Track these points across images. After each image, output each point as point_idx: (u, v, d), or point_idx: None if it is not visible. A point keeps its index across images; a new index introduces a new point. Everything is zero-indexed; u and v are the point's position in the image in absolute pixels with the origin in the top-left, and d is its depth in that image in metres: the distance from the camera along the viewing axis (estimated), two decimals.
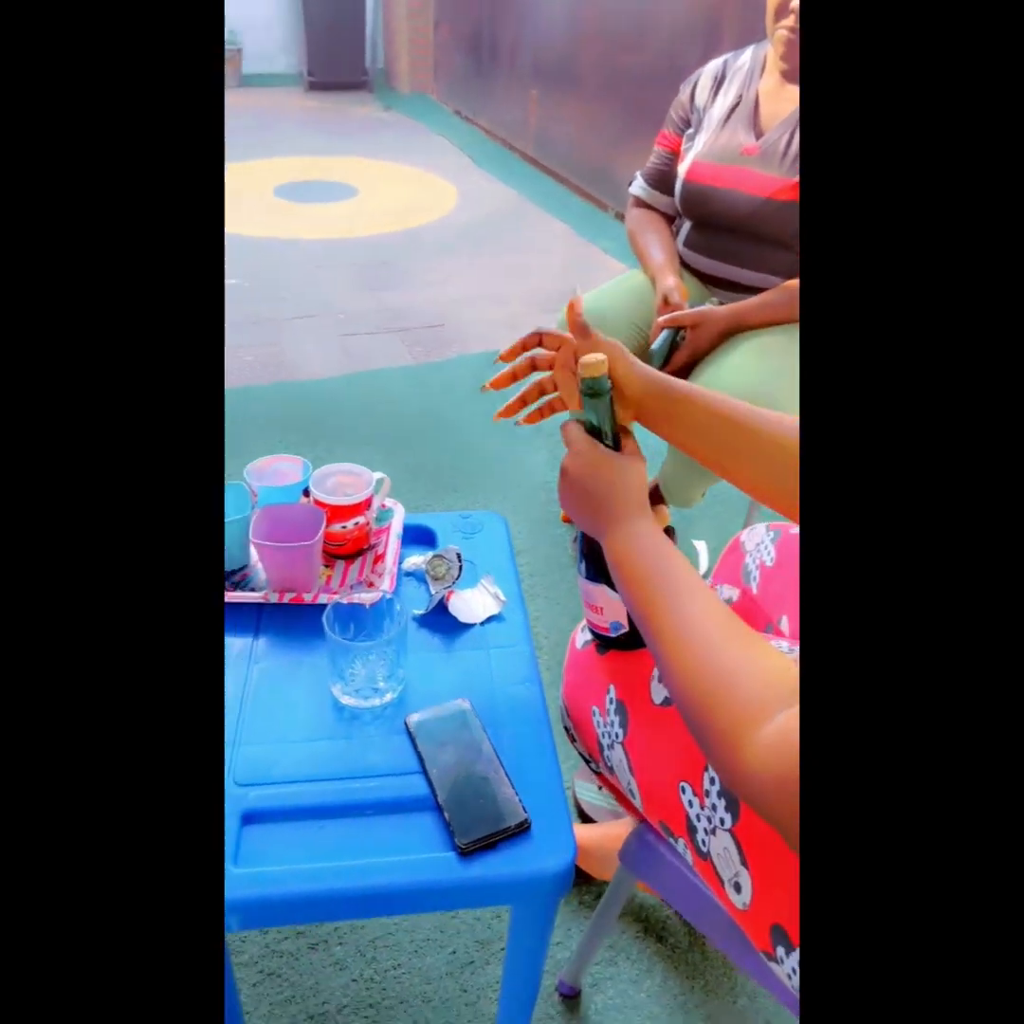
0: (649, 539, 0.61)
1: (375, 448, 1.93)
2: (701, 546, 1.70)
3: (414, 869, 0.63)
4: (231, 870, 0.61)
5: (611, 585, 0.69)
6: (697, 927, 0.72)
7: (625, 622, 0.73)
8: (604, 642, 0.76)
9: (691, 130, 1.41)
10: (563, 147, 4.08)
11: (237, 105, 5.37)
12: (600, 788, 1.15)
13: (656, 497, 1.62)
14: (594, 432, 0.66)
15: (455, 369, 2.33)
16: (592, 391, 0.64)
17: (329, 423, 2.03)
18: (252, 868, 0.61)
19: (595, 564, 0.70)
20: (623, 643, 0.74)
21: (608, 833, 1.04)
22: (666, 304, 1.33)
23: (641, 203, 1.52)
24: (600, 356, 0.64)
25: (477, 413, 2.10)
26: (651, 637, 0.56)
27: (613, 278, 1.52)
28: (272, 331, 2.49)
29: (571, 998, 0.98)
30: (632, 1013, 0.97)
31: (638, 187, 1.51)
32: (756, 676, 0.49)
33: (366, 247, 3.21)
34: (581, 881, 1.08)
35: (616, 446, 0.66)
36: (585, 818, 1.16)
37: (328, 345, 2.43)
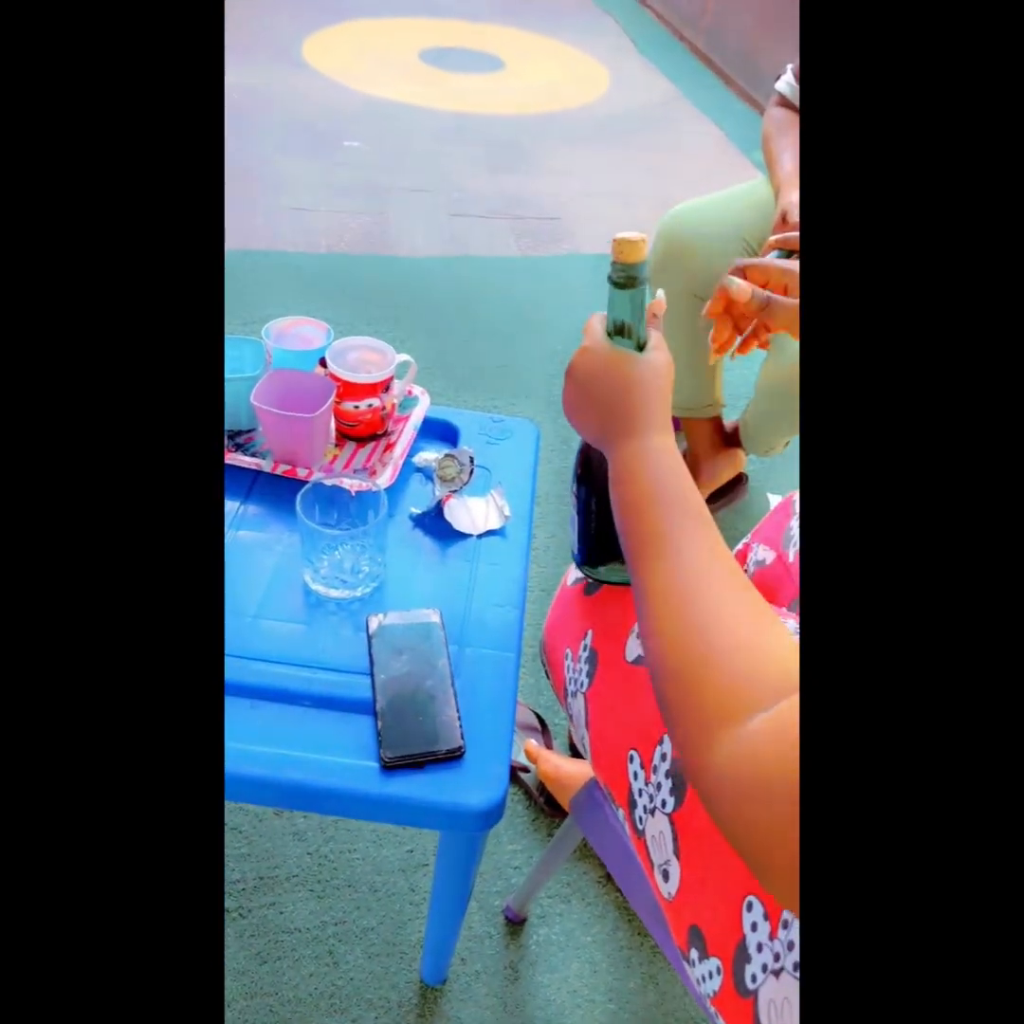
0: (666, 459, 0.51)
1: (454, 337, 1.86)
2: (775, 500, 1.57)
3: (333, 772, 0.60)
4: None
5: None
6: (627, 899, 0.67)
7: None
8: (590, 576, 0.68)
9: None
10: (736, 43, 3.68)
11: None
12: None
13: (734, 440, 1.49)
14: (619, 331, 0.56)
15: (561, 267, 2.19)
16: (626, 278, 0.54)
17: (415, 305, 1.96)
18: None
19: (590, 482, 0.62)
20: (612, 579, 0.67)
21: (587, 771, 1.00)
22: (784, 222, 1.17)
23: (785, 102, 1.33)
24: (641, 234, 0.53)
25: (574, 318, 1.98)
26: (637, 576, 0.47)
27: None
28: (382, 200, 2.40)
29: (515, 924, 0.96)
30: (573, 953, 0.95)
31: (784, 83, 1.32)
32: (747, 661, 0.40)
33: (500, 126, 3.03)
34: (556, 814, 1.05)
35: (640, 349, 0.56)
36: (576, 754, 1.12)
37: (435, 224, 2.33)
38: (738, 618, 0.42)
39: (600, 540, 0.64)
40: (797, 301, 0.58)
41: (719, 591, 0.44)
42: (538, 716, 1.14)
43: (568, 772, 1.01)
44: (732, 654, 0.40)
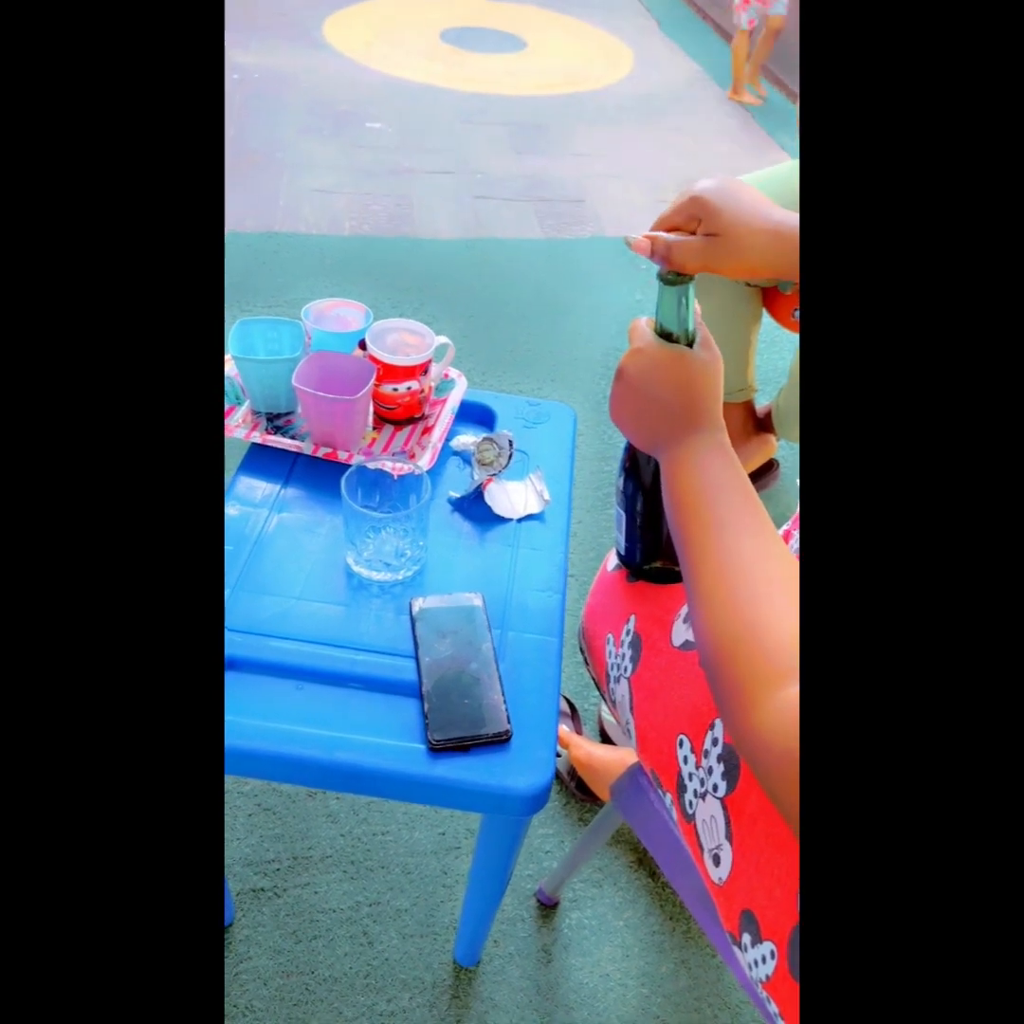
0: (724, 455, 0.52)
1: (478, 320, 1.85)
2: None
3: (381, 753, 0.60)
4: None
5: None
6: (671, 884, 0.67)
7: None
8: (634, 572, 0.68)
9: None
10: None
11: None
12: None
13: (766, 426, 1.47)
14: (667, 334, 0.55)
15: (584, 250, 2.17)
16: (677, 274, 0.53)
17: (439, 288, 1.95)
18: None
19: (637, 481, 0.62)
20: (655, 576, 0.66)
21: (620, 758, 1.00)
22: None
23: None
24: None
25: (599, 301, 1.97)
26: (689, 564, 0.48)
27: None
28: (406, 183, 2.39)
29: (548, 907, 0.97)
30: (605, 937, 0.95)
31: None
32: (792, 632, 0.42)
33: (523, 107, 3.00)
34: (587, 799, 1.05)
35: (690, 346, 0.55)
36: (606, 739, 1.12)
37: (459, 205, 2.31)
38: (779, 602, 0.44)
39: (648, 540, 0.64)
40: (697, 237, 0.54)
41: (768, 572, 0.45)
42: (568, 701, 1.14)
43: (602, 758, 1.01)
44: (777, 624, 0.42)
